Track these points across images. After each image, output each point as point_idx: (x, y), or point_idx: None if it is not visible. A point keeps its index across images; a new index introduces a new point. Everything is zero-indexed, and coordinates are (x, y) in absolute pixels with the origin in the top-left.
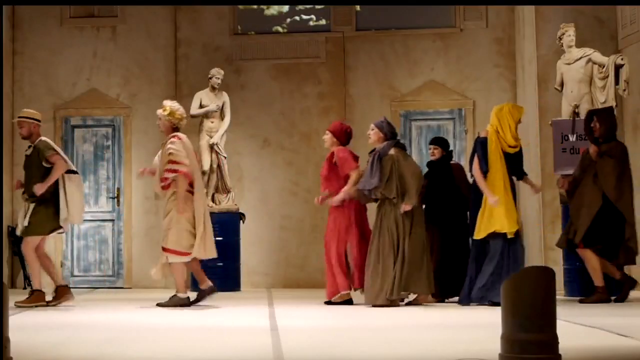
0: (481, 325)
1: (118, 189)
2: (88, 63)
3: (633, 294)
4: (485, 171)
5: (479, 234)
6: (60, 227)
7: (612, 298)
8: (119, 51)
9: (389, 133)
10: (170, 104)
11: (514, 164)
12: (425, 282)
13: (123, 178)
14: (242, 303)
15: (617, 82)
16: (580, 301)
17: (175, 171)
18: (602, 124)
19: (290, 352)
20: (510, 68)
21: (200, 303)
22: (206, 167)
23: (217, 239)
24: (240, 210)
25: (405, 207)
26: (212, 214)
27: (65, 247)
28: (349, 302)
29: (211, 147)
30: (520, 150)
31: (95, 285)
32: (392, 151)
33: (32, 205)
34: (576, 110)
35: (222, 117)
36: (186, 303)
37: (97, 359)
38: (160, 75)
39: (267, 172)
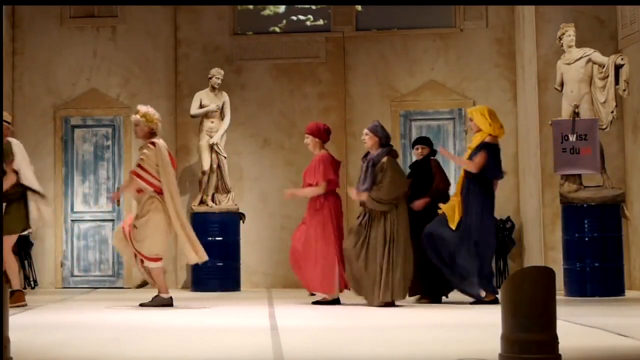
0: (481, 325)
1: (118, 189)
2: (88, 63)
3: (633, 293)
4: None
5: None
6: (29, 227)
7: None
8: (119, 51)
9: (384, 137)
10: (145, 109)
11: None
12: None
13: (123, 178)
14: (242, 303)
15: (617, 82)
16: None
17: (150, 184)
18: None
19: (290, 352)
20: (510, 68)
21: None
22: (206, 167)
23: (217, 239)
24: (240, 210)
25: (359, 195)
26: (212, 213)
27: (65, 247)
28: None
29: (211, 147)
30: None
31: (95, 285)
32: (384, 159)
33: (4, 205)
34: (576, 110)
35: (222, 117)
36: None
37: (97, 359)
38: (160, 75)
39: (267, 172)
